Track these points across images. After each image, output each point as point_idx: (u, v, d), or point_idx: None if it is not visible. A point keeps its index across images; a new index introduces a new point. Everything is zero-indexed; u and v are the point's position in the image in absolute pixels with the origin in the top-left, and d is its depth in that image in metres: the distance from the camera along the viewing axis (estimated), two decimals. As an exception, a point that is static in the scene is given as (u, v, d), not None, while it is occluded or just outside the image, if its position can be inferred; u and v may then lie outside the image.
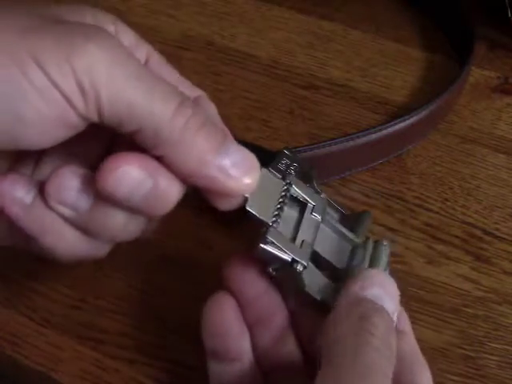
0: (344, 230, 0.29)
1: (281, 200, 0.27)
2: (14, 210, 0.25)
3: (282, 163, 0.28)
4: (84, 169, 0.25)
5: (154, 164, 0.24)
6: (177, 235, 0.38)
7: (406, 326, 0.28)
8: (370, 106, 0.46)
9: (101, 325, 0.34)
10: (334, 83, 0.47)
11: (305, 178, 0.29)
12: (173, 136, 0.23)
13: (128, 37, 0.28)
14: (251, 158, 0.25)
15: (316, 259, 0.27)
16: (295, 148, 0.37)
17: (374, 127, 0.40)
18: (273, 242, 0.26)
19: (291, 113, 0.45)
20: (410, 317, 0.28)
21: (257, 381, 0.28)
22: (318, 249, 0.28)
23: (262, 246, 0.26)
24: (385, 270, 0.28)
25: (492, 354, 0.34)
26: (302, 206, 0.28)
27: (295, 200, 0.28)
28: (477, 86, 0.47)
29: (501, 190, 0.41)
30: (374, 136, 0.40)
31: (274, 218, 0.26)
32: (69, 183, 0.25)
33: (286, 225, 0.27)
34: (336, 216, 0.30)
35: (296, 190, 0.28)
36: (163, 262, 0.37)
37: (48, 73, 0.22)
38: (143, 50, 0.28)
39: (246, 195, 0.25)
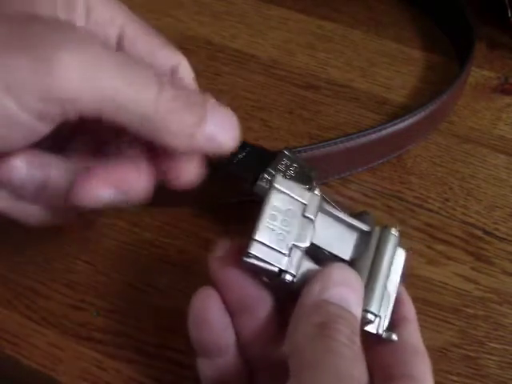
0: (348, 218, 0.28)
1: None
2: None
3: (282, 164, 0.28)
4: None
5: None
6: (177, 235, 0.38)
7: (409, 313, 0.27)
8: (370, 105, 0.46)
9: (101, 325, 0.34)
10: (334, 83, 0.48)
11: (305, 178, 0.29)
12: (159, 120, 0.24)
13: (100, 12, 0.28)
14: (229, 115, 0.27)
15: (319, 253, 0.27)
16: (295, 148, 0.37)
17: (374, 127, 0.40)
18: (256, 256, 0.25)
19: (291, 113, 0.45)
20: (410, 317, 0.28)
21: (243, 375, 0.28)
22: (320, 242, 0.27)
23: (245, 259, 0.25)
24: (390, 259, 0.27)
25: (492, 354, 0.34)
26: (295, 205, 0.27)
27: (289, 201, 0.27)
28: (477, 86, 0.47)
29: (501, 190, 0.41)
30: (373, 136, 0.40)
31: (261, 228, 0.25)
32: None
33: (276, 229, 0.26)
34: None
35: (283, 191, 0.26)
36: (163, 262, 0.37)
37: (22, 101, 0.22)
38: (116, 24, 0.28)
39: None
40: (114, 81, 0.23)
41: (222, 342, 0.27)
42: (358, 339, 0.23)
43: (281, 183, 0.26)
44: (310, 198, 0.27)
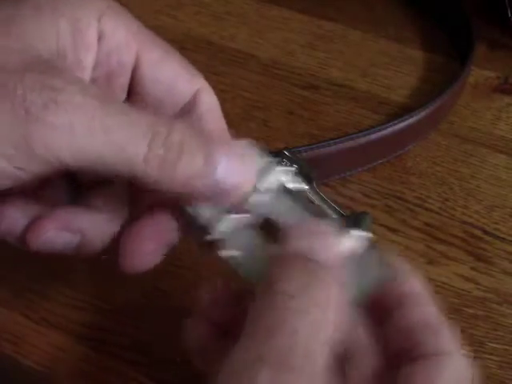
0: (323, 203, 0.27)
1: None
2: None
3: (282, 164, 0.28)
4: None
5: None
6: (177, 235, 0.38)
7: (415, 287, 0.24)
8: (370, 105, 0.46)
9: (101, 325, 0.34)
10: (334, 83, 0.48)
11: (305, 178, 0.29)
12: (150, 177, 0.23)
13: (114, 37, 0.26)
14: (243, 162, 0.24)
15: None
16: (295, 148, 0.37)
17: (374, 127, 0.40)
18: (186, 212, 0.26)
19: (291, 113, 0.45)
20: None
21: None
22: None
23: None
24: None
25: (492, 354, 0.34)
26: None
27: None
28: (477, 86, 0.47)
29: (501, 190, 0.41)
30: (373, 136, 0.40)
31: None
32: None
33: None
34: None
35: None
36: (164, 263, 0.37)
37: (5, 155, 0.21)
38: (132, 50, 0.26)
39: None
40: (98, 146, 0.22)
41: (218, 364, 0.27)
42: (316, 290, 0.21)
43: None
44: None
